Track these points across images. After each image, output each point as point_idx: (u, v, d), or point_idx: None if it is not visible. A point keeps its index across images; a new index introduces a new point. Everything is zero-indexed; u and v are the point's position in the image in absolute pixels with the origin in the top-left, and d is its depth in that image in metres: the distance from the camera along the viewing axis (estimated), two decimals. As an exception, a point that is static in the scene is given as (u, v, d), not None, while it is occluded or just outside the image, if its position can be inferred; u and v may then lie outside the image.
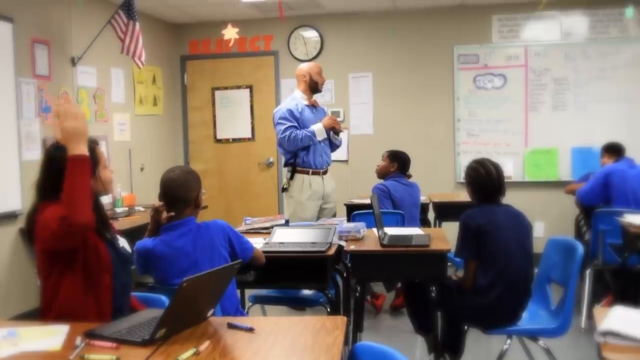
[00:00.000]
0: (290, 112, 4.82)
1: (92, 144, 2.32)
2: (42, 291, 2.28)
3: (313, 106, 4.96)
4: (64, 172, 2.14)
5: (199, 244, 2.73)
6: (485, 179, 3.21)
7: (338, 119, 5.10)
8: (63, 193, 2.11)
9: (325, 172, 4.95)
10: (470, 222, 3.12)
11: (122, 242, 2.44)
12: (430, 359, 3.44)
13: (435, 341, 3.33)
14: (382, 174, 5.03)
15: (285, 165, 4.95)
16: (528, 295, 3.16)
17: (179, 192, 2.75)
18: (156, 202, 2.83)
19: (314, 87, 4.93)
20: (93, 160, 2.25)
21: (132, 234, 4.22)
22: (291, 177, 4.87)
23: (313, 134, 4.75)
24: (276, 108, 5.08)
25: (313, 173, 4.87)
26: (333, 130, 4.91)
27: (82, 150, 2.16)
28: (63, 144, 2.16)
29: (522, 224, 3.21)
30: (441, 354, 3.33)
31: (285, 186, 4.92)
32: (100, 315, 2.22)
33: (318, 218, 4.82)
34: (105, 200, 2.48)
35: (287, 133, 4.74)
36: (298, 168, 4.86)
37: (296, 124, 4.78)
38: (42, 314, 2.27)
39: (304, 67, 5.01)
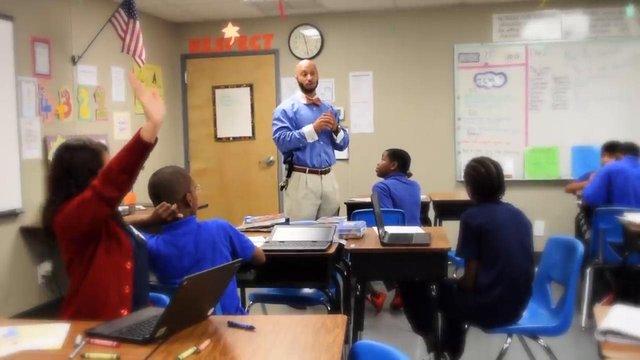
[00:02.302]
0: (284, 112, 4.86)
1: (100, 148, 2.46)
2: (71, 282, 2.37)
3: (315, 104, 4.96)
4: (75, 173, 2.33)
5: (200, 244, 2.73)
6: (485, 178, 3.20)
7: (339, 116, 5.05)
8: (110, 161, 2.23)
9: (325, 172, 4.94)
10: (471, 222, 3.11)
11: (136, 231, 2.56)
12: (430, 358, 3.44)
13: (436, 340, 3.32)
14: (383, 172, 5.03)
15: (284, 162, 4.98)
16: (529, 294, 3.15)
17: (164, 195, 2.77)
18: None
19: (302, 87, 4.95)
20: (97, 163, 2.38)
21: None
22: (288, 175, 4.91)
23: (302, 136, 4.77)
24: (275, 108, 5.12)
25: (310, 172, 4.87)
26: (332, 130, 4.91)
27: (148, 136, 2.24)
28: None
29: (523, 223, 3.21)
30: (441, 353, 3.33)
31: (283, 184, 4.95)
32: (121, 301, 2.32)
33: (317, 218, 4.82)
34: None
35: (278, 134, 4.82)
36: (295, 166, 4.88)
37: (288, 125, 4.81)
38: (67, 301, 2.37)
39: (295, 70, 5.03)
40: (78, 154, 2.40)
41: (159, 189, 2.78)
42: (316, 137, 4.79)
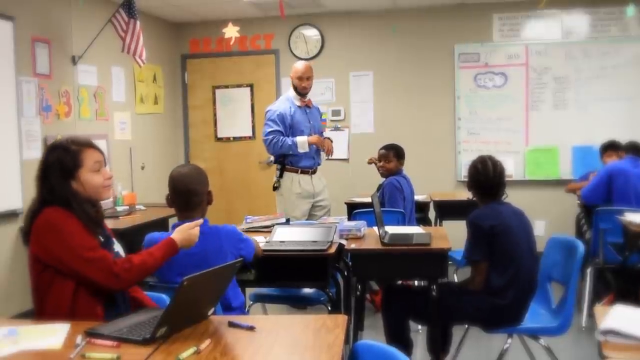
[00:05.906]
0: (282, 117, 4.85)
1: (80, 147, 2.32)
2: (33, 294, 2.28)
3: (307, 106, 4.98)
4: (48, 172, 2.26)
5: (206, 247, 2.69)
6: (481, 177, 3.14)
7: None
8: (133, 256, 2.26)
9: (314, 172, 5.00)
10: (482, 223, 3.05)
11: (117, 247, 2.45)
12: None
13: (434, 343, 3.30)
14: (393, 173, 4.85)
15: (276, 162, 5.01)
16: (534, 294, 3.14)
17: (195, 186, 2.74)
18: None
19: (297, 90, 4.94)
20: (73, 164, 2.28)
21: (133, 233, 4.23)
22: (280, 176, 4.93)
23: (295, 144, 4.80)
24: (270, 105, 5.08)
25: (302, 172, 4.93)
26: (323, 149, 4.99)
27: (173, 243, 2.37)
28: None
29: (526, 223, 3.18)
30: (434, 355, 3.31)
31: (275, 185, 4.98)
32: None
33: (311, 216, 4.86)
34: (105, 200, 2.48)
35: (270, 137, 4.83)
36: (287, 167, 4.90)
37: (282, 130, 4.83)
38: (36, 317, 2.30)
39: (291, 69, 5.01)
40: (54, 152, 2.31)
41: (190, 183, 2.73)
42: (307, 150, 4.85)
